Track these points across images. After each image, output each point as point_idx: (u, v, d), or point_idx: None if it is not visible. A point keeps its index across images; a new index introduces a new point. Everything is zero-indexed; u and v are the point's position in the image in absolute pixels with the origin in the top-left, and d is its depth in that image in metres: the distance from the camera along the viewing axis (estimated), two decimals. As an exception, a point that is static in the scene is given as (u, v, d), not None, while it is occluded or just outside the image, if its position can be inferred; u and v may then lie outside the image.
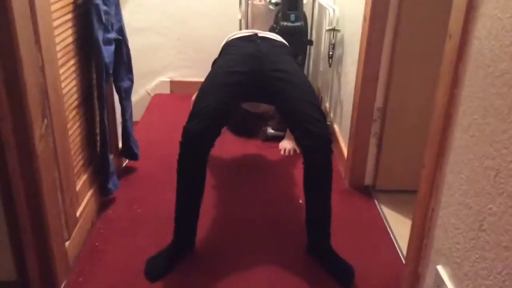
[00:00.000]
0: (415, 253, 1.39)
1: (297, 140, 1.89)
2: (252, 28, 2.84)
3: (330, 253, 1.82)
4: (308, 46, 2.97)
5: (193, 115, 1.76)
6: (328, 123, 2.81)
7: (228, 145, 2.73)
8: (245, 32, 2.24)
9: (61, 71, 1.62)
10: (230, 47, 2.16)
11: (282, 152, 2.68)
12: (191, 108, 1.82)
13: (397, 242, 1.96)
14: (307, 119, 1.75)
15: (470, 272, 1.08)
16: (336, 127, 2.72)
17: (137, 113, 2.69)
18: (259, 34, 2.17)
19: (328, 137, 1.75)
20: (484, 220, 1.02)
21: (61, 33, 1.61)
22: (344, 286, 1.73)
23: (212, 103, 1.78)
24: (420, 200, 1.36)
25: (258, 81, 1.90)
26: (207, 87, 1.88)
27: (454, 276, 1.17)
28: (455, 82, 1.16)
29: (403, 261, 1.76)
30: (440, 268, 1.23)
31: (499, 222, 0.96)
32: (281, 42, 2.22)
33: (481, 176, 1.04)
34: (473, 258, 1.07)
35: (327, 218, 1.82)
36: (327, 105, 2.92)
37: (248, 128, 2.83)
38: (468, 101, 1.11)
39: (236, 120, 2.70)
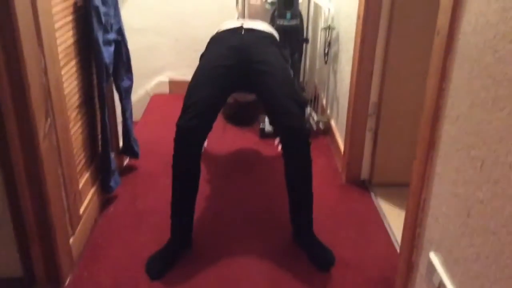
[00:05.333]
0: (409, 242, 1.43)
1: (275, 132, 1.91)
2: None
3: (311, 240, 1.88)
4: (304, 44, 3.01)
5: (184, 112, 1.81)
6: (325, 120, 2.85)
7: (225, 141, 2.77)
8: (232, 24, 2.25)
9: (62, 71, 1.66)
10: (216, 40, 2.19)
11: (277, 147, 2.71)
12: None
13: (393, 234, 2.00)
14: (283, 112, 1.81)
15: (460, 258, 1.13)
16: (332, 123, 2.76)
17: (136, 113, 2.73)
18: (245, 26, 2.17)
19: (303, 130, 1.81)
20: (472, 208, 1.07)
21: (62, 35, 1.65)
22: (321, 271, 1.79)
23: (202, 98, 1.83)
24: (412, 190, 1.40)
25: (242, 72, 1.95)
26: (196, 83, 1.93)
27: (445, 263, 1.22)
28: (444, 76, 1.20)
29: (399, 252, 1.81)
30: (432, 256, 1.28)
31: (486, 209, 1.01)
32: (266, 32, 2.22)
33: (469, 165, 1.08)
34: (462, 244, 1.12)
35: (307, 206, 1.88)
36: (324, 101, 2.96)
37: (244, 116, 2.84)
38: (455, 94, 1.15)
39: (232, 110, 2.72)
